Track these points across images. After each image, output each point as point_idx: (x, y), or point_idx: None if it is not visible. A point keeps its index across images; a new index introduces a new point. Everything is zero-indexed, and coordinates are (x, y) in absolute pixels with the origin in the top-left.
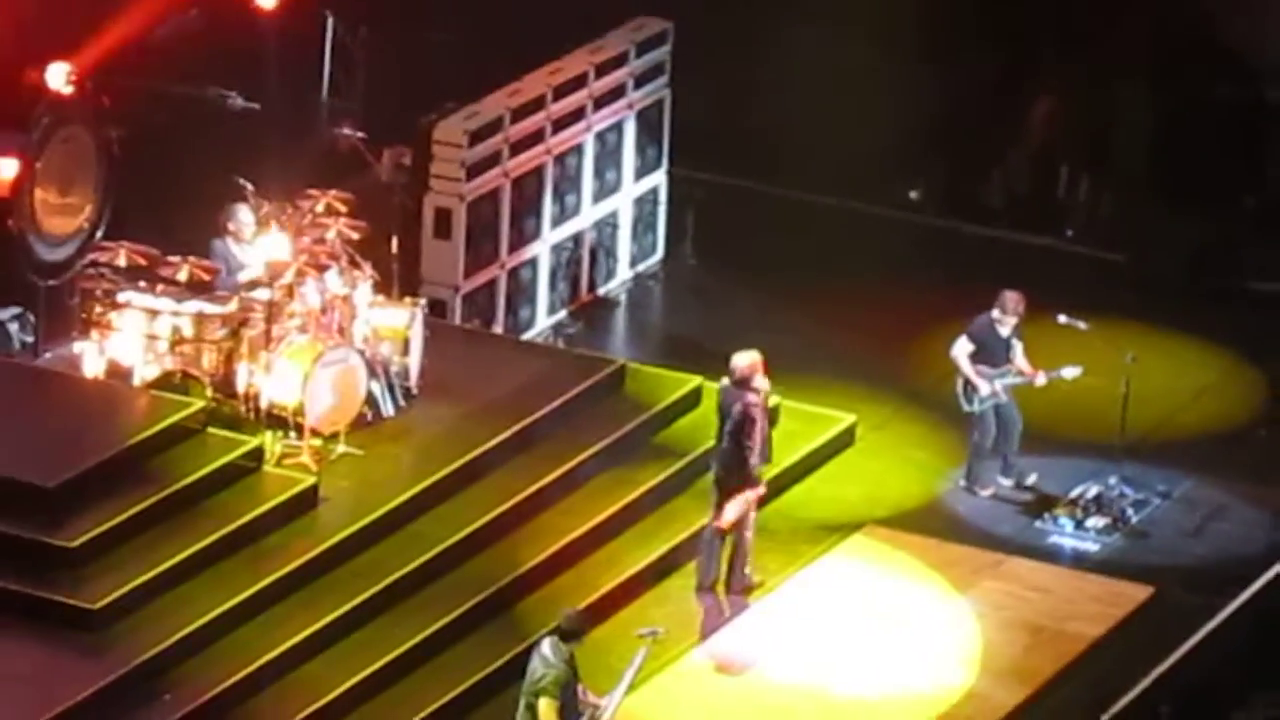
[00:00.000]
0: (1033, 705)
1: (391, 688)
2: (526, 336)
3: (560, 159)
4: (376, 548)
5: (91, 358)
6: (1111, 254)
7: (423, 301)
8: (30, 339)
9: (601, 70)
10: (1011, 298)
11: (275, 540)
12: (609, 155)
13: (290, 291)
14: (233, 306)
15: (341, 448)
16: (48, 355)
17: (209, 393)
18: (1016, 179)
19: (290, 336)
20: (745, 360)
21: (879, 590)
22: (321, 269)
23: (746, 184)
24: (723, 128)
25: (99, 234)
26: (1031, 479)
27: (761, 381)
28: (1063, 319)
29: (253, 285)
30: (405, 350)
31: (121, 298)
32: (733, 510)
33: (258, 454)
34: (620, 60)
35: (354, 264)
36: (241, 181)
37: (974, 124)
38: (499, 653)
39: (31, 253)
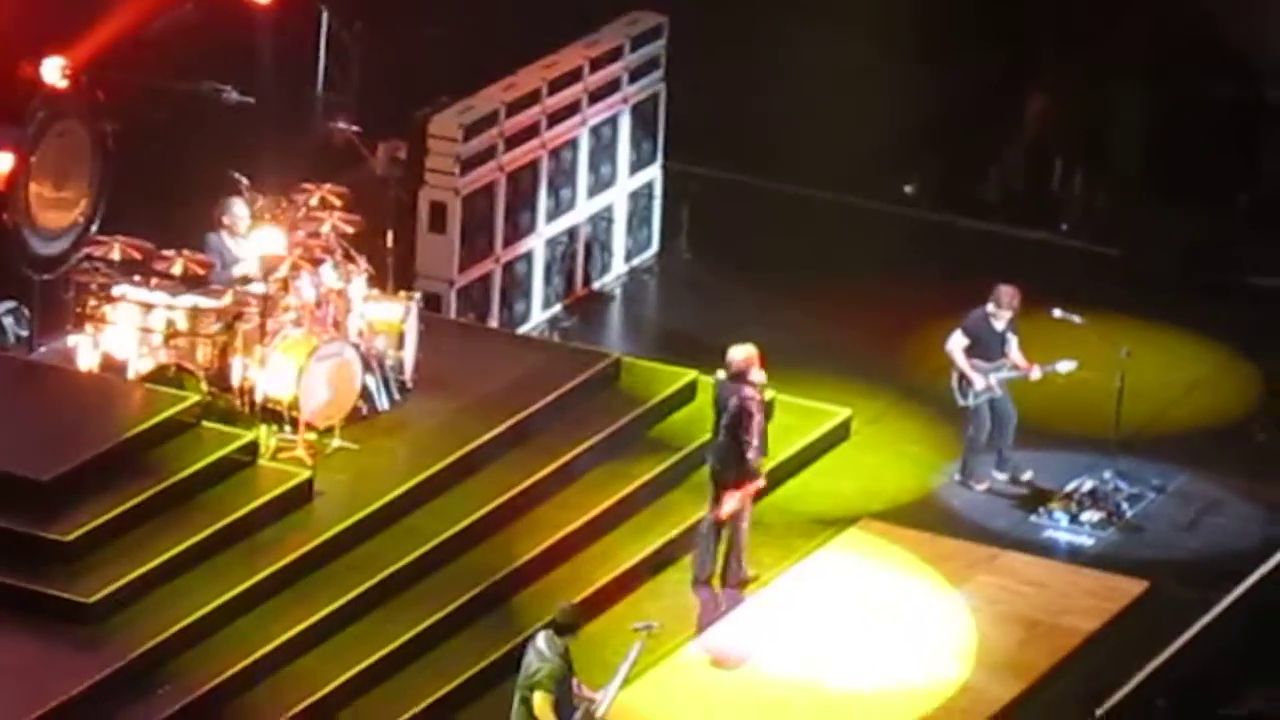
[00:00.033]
0: (1027, 699)
1: (387, 681)
2: (521, 330)
3: (555, 153)
4: (371, 541)
5: (86, 351)
6: (1106, 248)
7: (417, 295)
8: (25, 333)
9: (596, 64)
10: (1006, 292)
11: (270, 534)
12: (604, 149)
13: (285, 285)
14: (227, 300)
15: (336, 442)
16: (42, 349)
17: (204, 386)
18: (1012, 173)
19: (285, 330)
20: (741, 354)
21: (874, 584)
22: (316, 263)
23: (741, 178)
24: (717, 122)
25: (94, 228)
26: (1027, 475)
27: (758, 375)
28: (1058, 313)
29: (247, 279)
30: (400, 344)
31: (116, 291)
32: (731, 503)
33: (252, 448)
34: (615, 54)
35: (349, 258)
36: (236, 175)
37: (969, 119)
38: (494, 646)
39: (26, 247)
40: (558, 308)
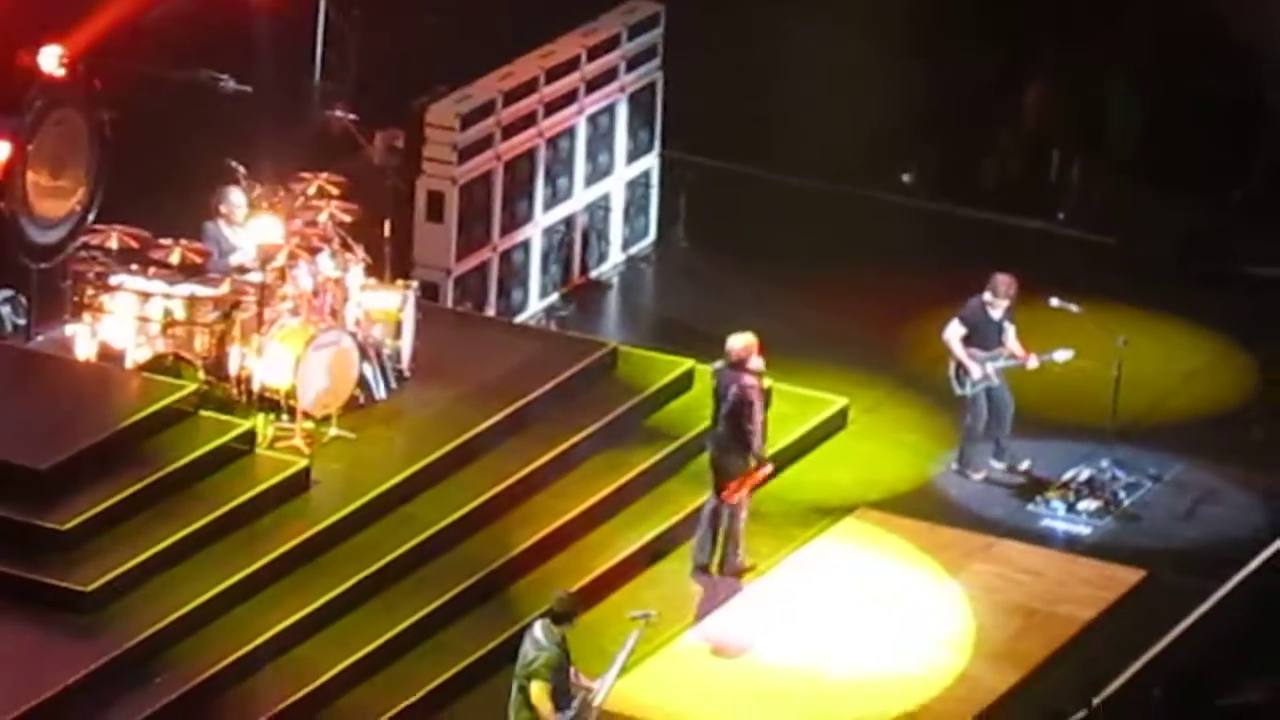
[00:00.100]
0: (1024, 688)
1: (384, 670)
2: (518, 319)
3: (552, 142)
4: (369, 530)
5: (83, 340)
6: (1104, 237)
7: (415, 284)
8: (22, 322)
9: (594, 53)
10: (1003, 281)
11: (267, 523)
12: (601, 138)
13: (282, 274)
14: (225, 289)
15: (333, 430)
16: (40, 338)
17: (201, 375)
18: (1009, 162)
19: (282, 319)
20: (740, 342)
21: (871, 573)
22: (313, 252)
23: (739, 167)
24: (715, 111)
25: (91, 217)
26: (1025, 464)
27: (757, 363)
28: (1055, 302)
29: (245, 268)
30: (397, 333)
31: (114, 280)
32: (740, 489)
33: (250, 437)
34: (612, 43)
35: (346, 247)
36: (233, 164)
37: (966, 108)
38: (491, 635)
39: (23, 235)
40: (555, 296)
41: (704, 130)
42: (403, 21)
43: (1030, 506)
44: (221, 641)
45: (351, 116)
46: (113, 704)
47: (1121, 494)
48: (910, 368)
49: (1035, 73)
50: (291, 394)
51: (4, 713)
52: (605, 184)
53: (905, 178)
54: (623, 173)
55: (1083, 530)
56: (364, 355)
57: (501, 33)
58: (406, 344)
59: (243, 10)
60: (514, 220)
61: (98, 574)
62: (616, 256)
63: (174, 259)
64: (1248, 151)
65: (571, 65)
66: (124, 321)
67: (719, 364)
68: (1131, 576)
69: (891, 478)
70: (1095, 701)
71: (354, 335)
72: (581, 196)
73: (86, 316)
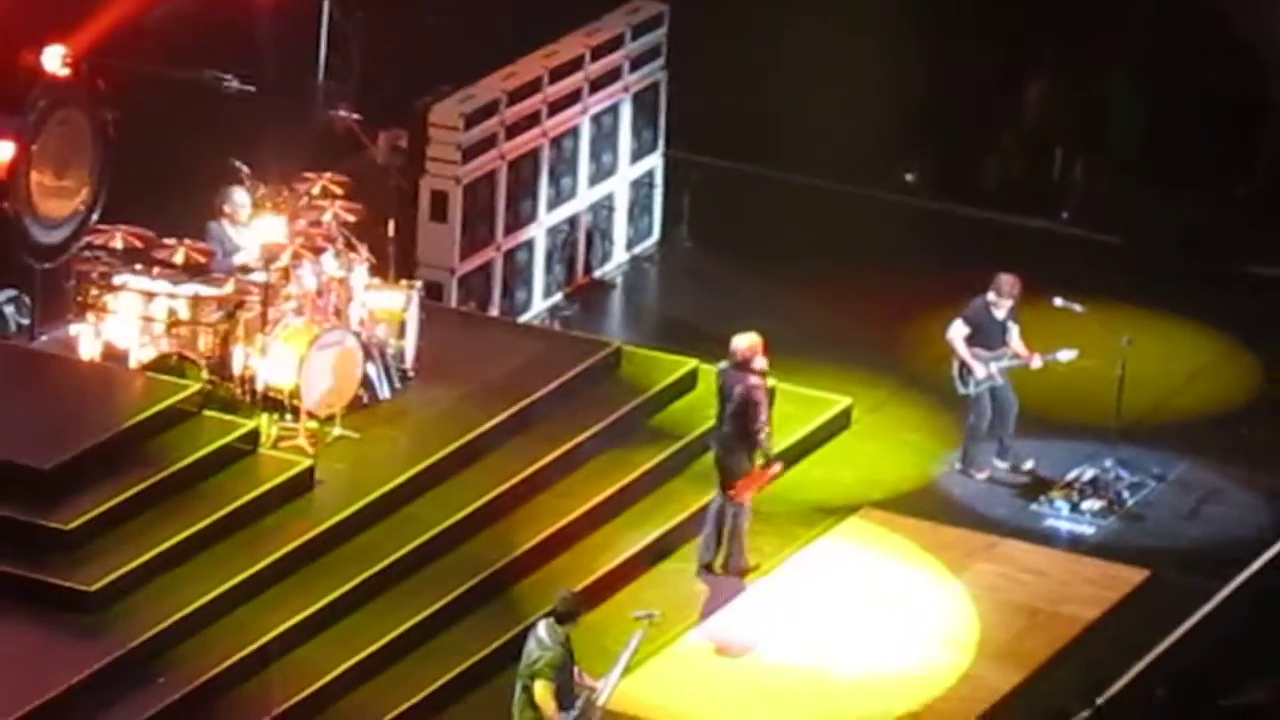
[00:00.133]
0: (1028, 687)
1: (388, 670)
2: (522, 319)
3: (556, 142)
4: (372, 530)
5: (87, 340)
6: (1107, 236)
7: (419, 284)
8: (26, 321)
9: (597, 53)
10: (1007, 280)
11: (271, 523)
12: (605, 138)
13: (286, 274)
14: (229, 289)
15: (337, 430)
16: (44, 338)
17: (205, 375)
18: (1011, 162)
19: (286, 319)
20: (745, 342)
21: (875, 573)
22: (317, 251)
23: (742, 167)
24: (719, 111)
25: (95, 216)
26: (1028, 464)
27: (761, 363)
28: (1058, 302)
29: (249, 268)
30: (401, 333)
31: (117, 280)
32: (750, 488)
33: (253, 436)
34: (616, 43)
35: (350, 246)
36: (237, 164)
37: (969, 107)
38: (495, 635)
39: (27, 235)
40: (559, 296)
41: (708, 130)
42: (406, 21)
43: (1034, 506)
44: (225, 641)
45: (355, 116)
46: (116, 704)
47: (1125, 494)
48: (914, 367)
49: (1037, 71)
50: (295, 394)
51: (8, 712)
52: (609, 184)
53: (908, 177)
54: (626, 172)
55: (1086, 530)
56: (368, 355)
57: (505, 32)
58: (410, 344)
59: (246, 10)
60: (518, 220)
61: (101, 574)
62: (620, 256)
63: (178, 259)
64: (1250, 150)
65: (575, 65)
66: (128, 321)
67: (724, 364)
68: (1135, 576)
69: (895, 477)
70: (1099, 701)
71: (358, 335)
72: (585, 196)
73: (90, 316)
